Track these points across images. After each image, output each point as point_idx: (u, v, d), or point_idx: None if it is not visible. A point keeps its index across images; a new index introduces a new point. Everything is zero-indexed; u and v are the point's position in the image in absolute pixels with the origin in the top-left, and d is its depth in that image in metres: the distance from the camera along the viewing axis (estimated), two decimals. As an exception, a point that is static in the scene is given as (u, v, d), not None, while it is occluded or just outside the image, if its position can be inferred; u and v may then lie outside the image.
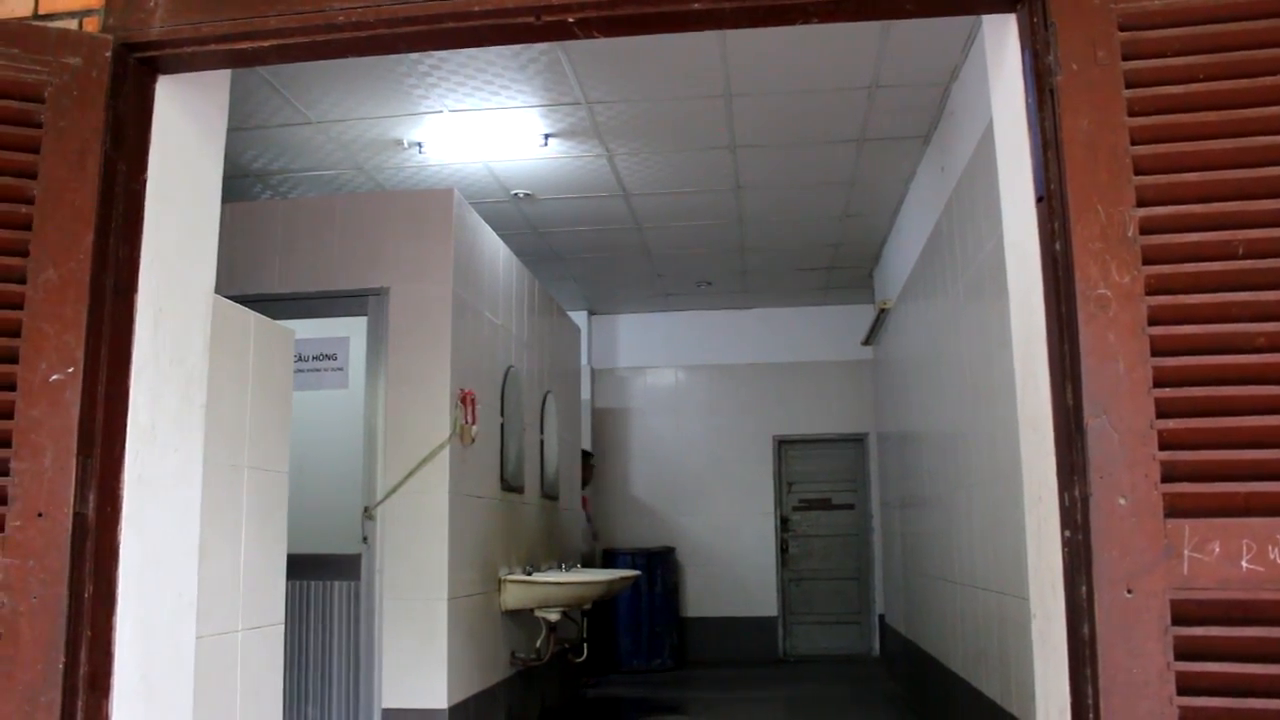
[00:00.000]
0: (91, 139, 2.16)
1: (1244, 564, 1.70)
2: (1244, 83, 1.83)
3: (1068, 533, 1.86)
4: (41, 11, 2.32)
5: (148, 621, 2.24)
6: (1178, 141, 1.84)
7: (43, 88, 2.17)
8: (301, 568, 4.55)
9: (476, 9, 2.18)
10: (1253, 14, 1.85)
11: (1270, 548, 1.69)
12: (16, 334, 2.08)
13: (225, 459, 2.84)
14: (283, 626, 3.16)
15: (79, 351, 2.08)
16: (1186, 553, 1.72)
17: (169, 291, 2.35)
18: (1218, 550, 1.71)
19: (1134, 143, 1.86)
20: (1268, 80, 1.83)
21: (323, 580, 4.96)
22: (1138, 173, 1.84)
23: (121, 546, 2.16)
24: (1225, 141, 1.82)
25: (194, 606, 2.43)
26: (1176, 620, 1.71)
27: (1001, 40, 2.20)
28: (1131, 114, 1.86)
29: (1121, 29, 1.89)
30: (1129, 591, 1.73)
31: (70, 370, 2.07)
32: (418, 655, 4.88)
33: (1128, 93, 1.87)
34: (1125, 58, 1.88)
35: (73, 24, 2.29)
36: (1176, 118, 1.85)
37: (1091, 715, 1.74)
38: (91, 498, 2.09)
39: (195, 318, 2.47)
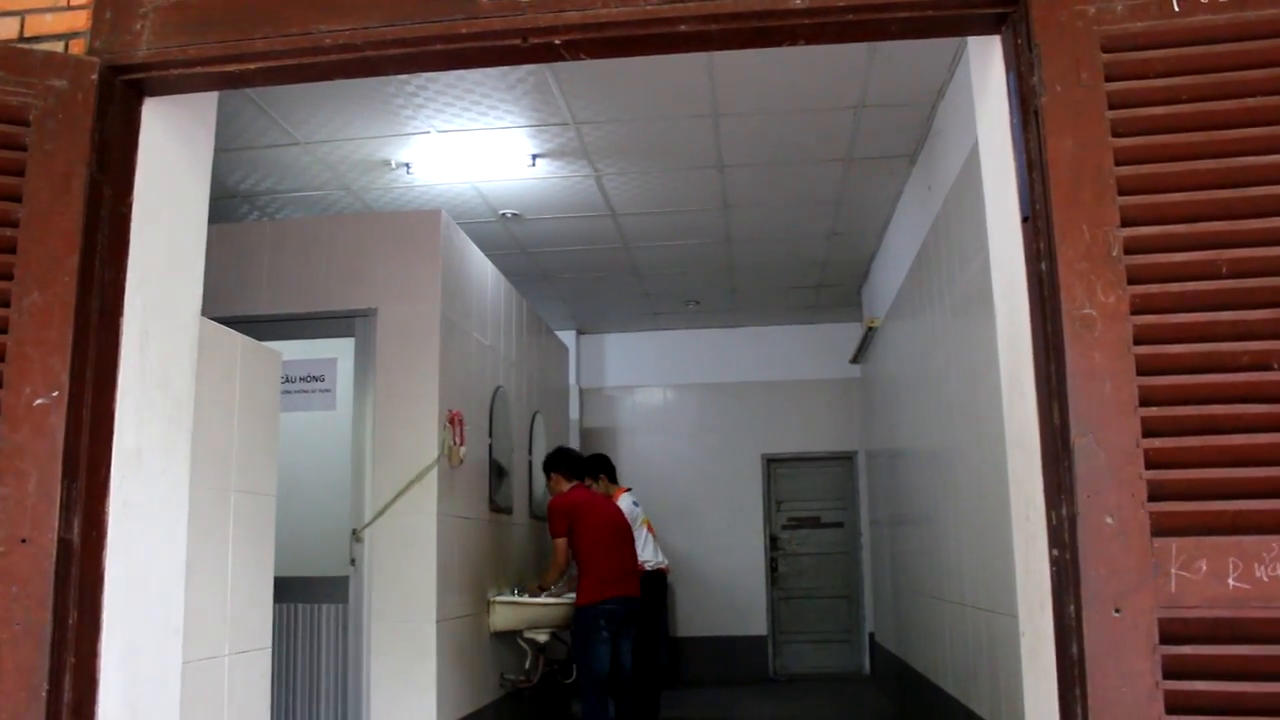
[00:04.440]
0: (77, 161, 2.16)
1: (1231, 582, 1.70)
2: (1226, 104, 1.85)
3: (1055, 551, 1.86)
4: (27, 34, 2.32)
5: (133, 647, 2.22)
6: (1161, 162, 1.86)
7: (28, 110, 2.17)
8: (289, 591, 4.52)
9: (464, 31, 2.19)
10: (1234, 36, 1.87)
11: (1257, 565, 1.69)
12: (0, 358, 2.07)
13: (212, 482, 2.82)
14: (270, 650, 3.13)
15: (64, 375, 2.07)
16: (1174, 571, 1.72)
17: (155, 314, 2.34)
18: (1205, 568, 1.71)
19: (1118, 163, 1.87)
20: (1249, 101, 1.84)
21: (310, 603, 4.93)
22: (1122, 193, 1.86)
23: (107, 572, 2.15)
24: (1208, 162, 1.84)
25: (180, 632, 2.41)
26: (1164, 639, 1.71)
27: (986, 62, 2.22)
28: (1115, 135, 1.88)
29: (1105, 51, 1.91)
30: (1117, 610, 1.73)
31: (55, 394, 2.06)
32: (406, 678, 4.84)
33: (1111, 114, 1.89)
34: (1109, 79, 1.90)
35: (58, 46, 2.29)
36: (1160, 138, 1.87)
37: (1082, 735, 1.74)
38: (76, 523, 2.07)
39: (182, 340, 2.46)
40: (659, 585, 7.34)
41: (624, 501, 6.74)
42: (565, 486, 5.96)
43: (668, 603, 8.73)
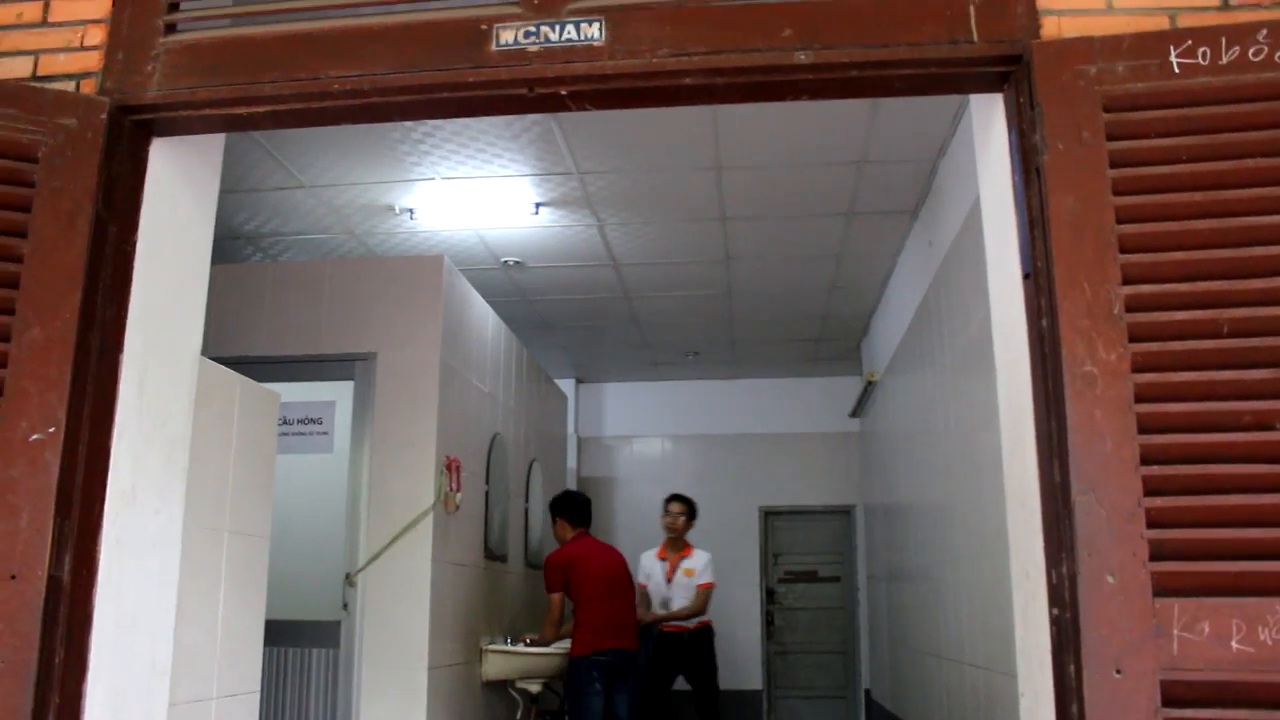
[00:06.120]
0: (84, 199, 2.17)
1: (1234, 644, 1.68)
2: (1226, 164, 1.87)
3: (1056, 610, 1.84)
4: (40, 73, 2.34)
5: (120, 688, 2.19)
6: (1162, 221, 1.87)
7: (37, 148, 2.18)
8: (280, 634, 4.47)
9: (470, 80, 2.21)
10: (1233, 98, 1.89)
11: (1260, 628, 1.67)
12: (-2, 392, 2.06)
13: (206, 522, 2.80)
14: (259, 695, 3.09)
15: (61, 411, 2.06)
16: (1176, 632, 1.70)
17: (155, 353, 2.34)
18: (1207, 630, 1.69)
19: (1119, 221, 1.88)
20: (1249, 162, 1.86)
21: (301, 648, 4.87)
22: (1123, 251, 1.86)
23: (96, 611, 2.12)
24: (1209, 221, 1.85)
25: (168, 673, 2.38)
26: (1167, 701, 1.68)
27: (989, 120, 2.23)
28: (1116, 193, 1.89)
29: (1106, 110, 1.93)
30: (1118, 671, 1.71)
31: (51, 430, 2.05)
32: (395, 727, 4.77)
33: (1112, 172, 1.90)
34: (1110, 138, 1.91)
35: (70, 86, 2.31)
36: (1160, 197, 1.88)
37: (1081, 799, 1.71)
38: (67, 560, 2.05)
39: (180, 379, 2.46)
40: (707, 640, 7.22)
41: (698, 559, 6.94)
42: (569, 533, 5.91)
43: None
